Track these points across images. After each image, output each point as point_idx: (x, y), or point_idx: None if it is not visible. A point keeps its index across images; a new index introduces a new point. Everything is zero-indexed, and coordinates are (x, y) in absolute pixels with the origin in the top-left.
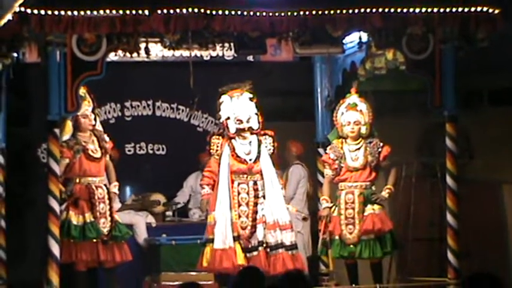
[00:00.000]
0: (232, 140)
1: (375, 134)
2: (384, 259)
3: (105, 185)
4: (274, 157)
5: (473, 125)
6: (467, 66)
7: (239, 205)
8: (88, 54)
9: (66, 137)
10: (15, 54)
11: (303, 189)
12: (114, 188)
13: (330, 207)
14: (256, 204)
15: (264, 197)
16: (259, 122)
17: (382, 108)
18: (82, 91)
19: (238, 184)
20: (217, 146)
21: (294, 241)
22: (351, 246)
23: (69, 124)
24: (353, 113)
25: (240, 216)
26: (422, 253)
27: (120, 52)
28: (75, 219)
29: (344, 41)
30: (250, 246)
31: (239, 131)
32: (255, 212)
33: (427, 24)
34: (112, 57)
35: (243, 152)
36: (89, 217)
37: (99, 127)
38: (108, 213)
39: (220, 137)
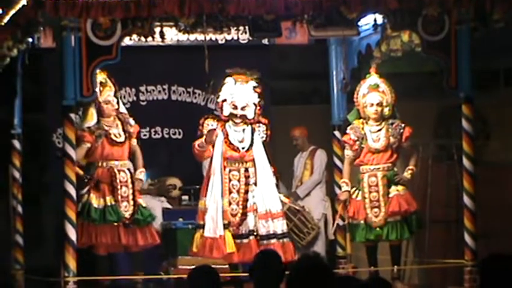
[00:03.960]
0: (226, 126)
1: (396, 115)
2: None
3: (128, 169)
4: (267, 145)
5: (490, 107)
6: (483, 47)
7: (230, 192)
8: (103, 38)
9: (90, 123)
10: (30, 40)
11: (325, 173)
12: (140, 174)
13: (349, 191)
14: (247, 191)
15: (255, 184)
16: (255, 113)
17: (398, 90)
18: (102, 77)
19: (230, 171)
20: (211, 126)
21: (285, 229)
22: (377, 229)
23: (92, 112)
24: (375, 94)
25: (230, 204)
26: (439, 235)
27: (134, 36)
28: (96, 202)
29: (359, 23)
30: (240, 233)
31: (232, 116)
32: (246, 200)
33: (443, 5)
34: (127, 41)
35: (236, 140)
36: (110, 200)
37: (123, 110)
38: (130, 197)
39: (216, 120)
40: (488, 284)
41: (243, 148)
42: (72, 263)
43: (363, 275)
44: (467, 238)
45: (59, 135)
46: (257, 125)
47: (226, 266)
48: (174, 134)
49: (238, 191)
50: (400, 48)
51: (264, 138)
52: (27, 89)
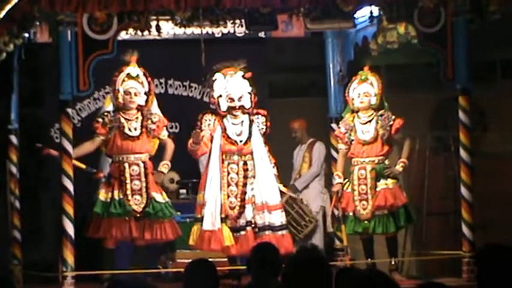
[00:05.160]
0: (224, 120)
1: (385, 106)
2: (399, 233)
3: (143, 162)
4: (266, 137)
5: (487, 98)
6: (480, 39)
7: (228, 185)
8: (99, 33)
9: (106, 108)
10: (26, 35)
11: (324, 165)
12: (162, 167)
13: (342, 183)
14: (245, 184)
15: (254, 177)
16: (251, 101)
17: (395, 83)
18: (138, 71)
19: (228, 164)
20: (209, 120)
21: (283, 221)
22: (365, 222)
23: (108, 98)
24: (362, 85)
25: (228, 196)
26: (436, 226)
27: (131, 30)
28: (103, 196)
29: (355, 16)
30: (238, 226)
31: (230, 110)
32: (244, 193)
33: None
34: (123, 35)
35: (234, 133)
36: (117, 194)
37: (154, 109)
38: (144, 190)
39: (214, 115)
40: (486, 274)
41: (240, 141)
42: (70, 258)
43: (361, 267)
44: (464, 229)
45: (57, 130)
46: (256, 116)
47: (225, 259)
48: (171, 127)
49: (236, 184)
50: (397, 40)
51: (264, 130)
52: (24, 84)
